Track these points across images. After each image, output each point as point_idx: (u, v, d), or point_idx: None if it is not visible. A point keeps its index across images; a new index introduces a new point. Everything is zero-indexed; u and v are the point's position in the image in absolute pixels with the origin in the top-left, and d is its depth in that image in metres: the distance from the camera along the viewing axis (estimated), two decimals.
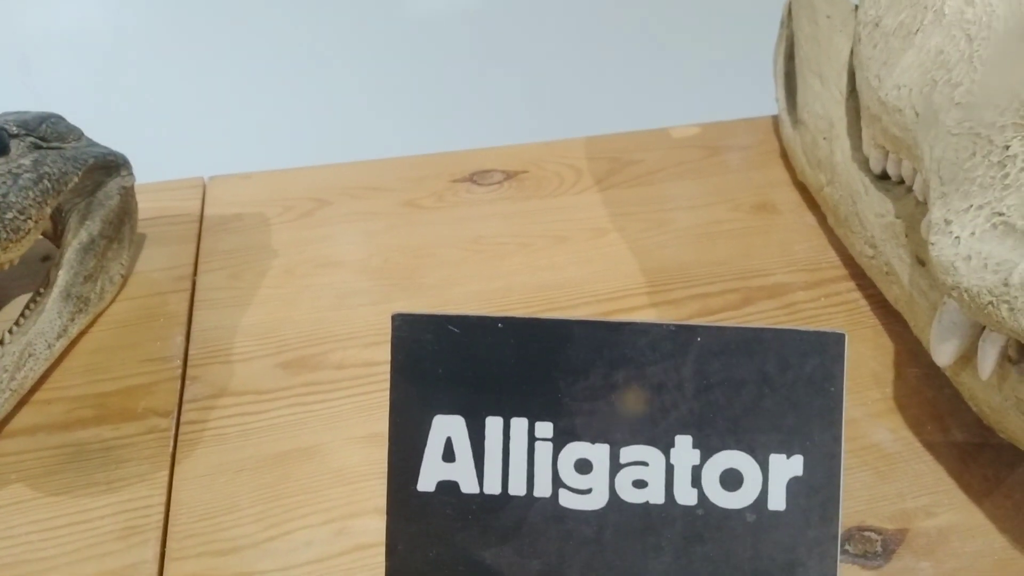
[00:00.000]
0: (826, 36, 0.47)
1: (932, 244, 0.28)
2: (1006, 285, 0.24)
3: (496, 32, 0.70)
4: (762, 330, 0.24)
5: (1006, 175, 0.28)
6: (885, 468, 0.30)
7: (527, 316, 0.24)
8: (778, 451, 0.24)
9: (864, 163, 0.40)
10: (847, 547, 0.27)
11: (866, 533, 0.27)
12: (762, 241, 0.44)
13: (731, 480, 0.24)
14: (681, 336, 0.24)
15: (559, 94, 0.73)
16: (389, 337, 0.24)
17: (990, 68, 0.33)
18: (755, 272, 0.41)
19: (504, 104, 0.71)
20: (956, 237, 0.28)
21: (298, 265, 0.42)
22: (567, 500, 0.24)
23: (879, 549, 0.27)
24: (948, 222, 0.28)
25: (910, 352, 0.35)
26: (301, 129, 0.64)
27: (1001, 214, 0.27)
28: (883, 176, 0.38)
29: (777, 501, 0.24)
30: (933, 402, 0.32)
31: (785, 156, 0.51)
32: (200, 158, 0.53)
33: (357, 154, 0.53)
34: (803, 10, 0.50)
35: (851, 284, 0.40)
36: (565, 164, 0.53)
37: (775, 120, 0.54)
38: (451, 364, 0.24)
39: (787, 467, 0.24)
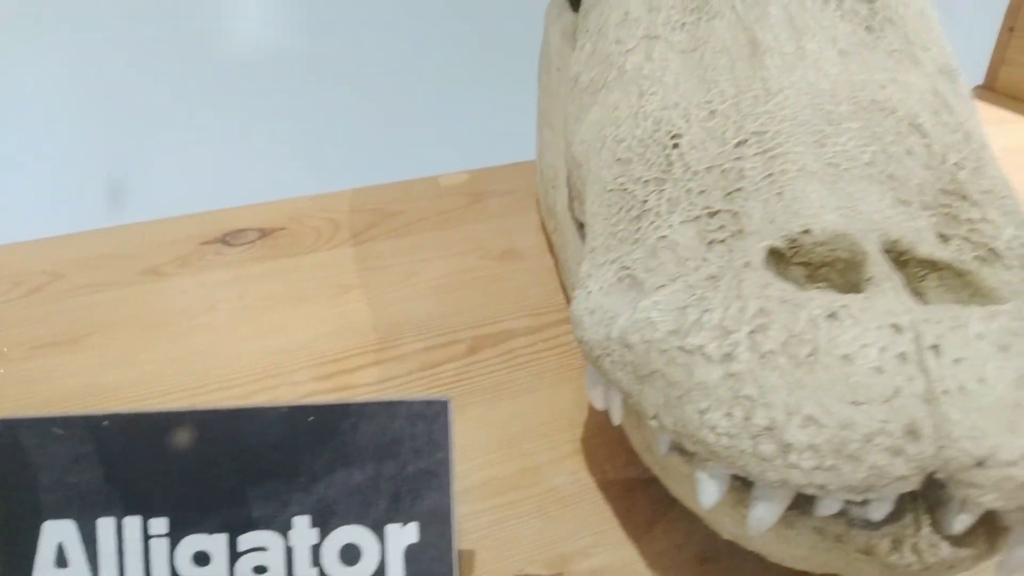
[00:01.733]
0: (556, 88, 0.49)
1: (573, 298, 0.30)
2: (607, 339, 0.26)
3: (267, 81, 0.70)
4: (370, 404, 0.25)
5: (639, 228, 0.30)
6: (557, 512, 0.31)
7: (134, 411, 0.24)
8: (393, 520, 0.24)
9: (574, 212, 0.42)
10: None
11: None
12: (501, 288, 0.45)
13: (350, 554, 0.24)
14: (294, 417, 0.24)
15: (337, 143, 0.73)
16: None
17: (650, 122, 0.35)
18: (486, 320, 0.43)
19: (273, 158, 0.71)
20: (589, 291, 0.29)
21: (13, 347, 0.40)
22: None
23: None
24: (588, 276, 0.30)
25: None
26: (35, 198, 0.62)
27: (627, 267, 0.29)
28: (583, 225, 0.41)
29: (395, 569, 0.24)
30: (612, 442, 0.34)
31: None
32: None
33: (108, 221, 0.51)
34: (542, 61, 0.53)
35: (569, 327, 0.42)
36: (326, 218, 0.53)
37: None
38: (58, 467, 0.24)
39: (403, 535, 0.24)
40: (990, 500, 0.19)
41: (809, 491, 0.20)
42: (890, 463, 0.19)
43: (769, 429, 0.20)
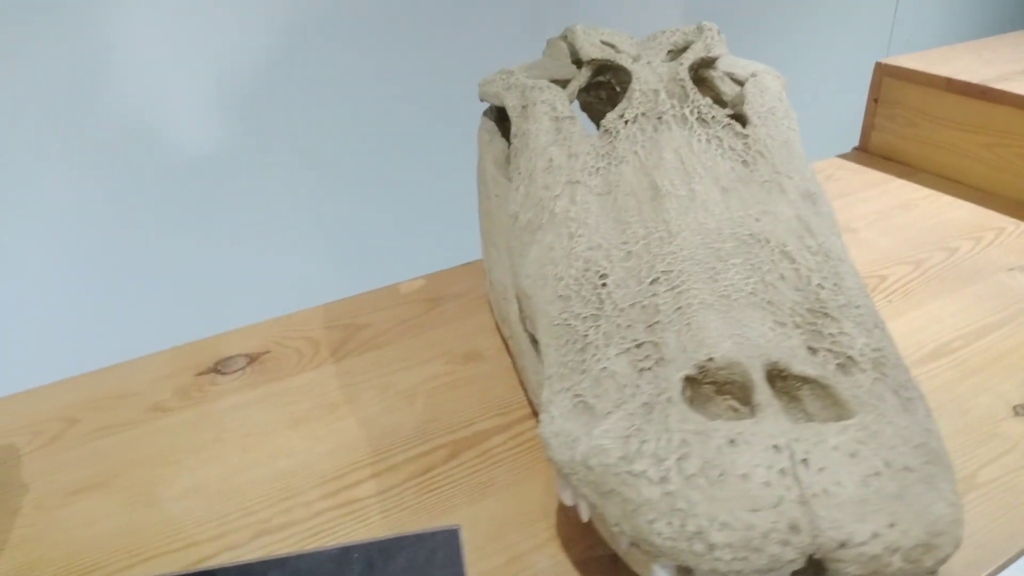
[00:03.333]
0: (496, 212, 0.57)
1: (540, 422, 0.38)
2: (572, 460, 0.34)
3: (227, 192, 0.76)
4: (401, 537, 0.32)
5: (584, 360, 0.39)
6: None
7: (204, 568, 0.31)
8: None
9: (526, 326, 0.50)
10: None
11: None
12: (468, 391, 0.53)
13: None
14: (343, 556, 0.31)
15: (295, 263, 0.80)
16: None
17: (581, 263, 0.44)
18: (461, 424, 0.50)
19: (243, 282, 0.77)
20: (552, 416, 0.37)
21: (47, 497, 0.46)
22: None
23: None
24: (550, 402, 0.38)
25: None
26: (48, 341, 0.66)
27: (579, 395, 0.37)
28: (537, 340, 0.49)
29: None
30: (586, 525, 0.42)
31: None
32: None
33: (102, 359, 0.57)
34: (481, 183, 0.61)
35: (533, 422, 0.50)
36: (304, 338, 0.60)
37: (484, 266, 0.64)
38: None
39: None
40: (853, 570, 0.28)
41: (727, 575, 0.28)
42: (782, 551, 0.28)
43: (698, 533, 0.28)
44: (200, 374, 0.55)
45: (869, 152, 0.91)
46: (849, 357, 0.36)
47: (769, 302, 0.39)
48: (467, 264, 0.69)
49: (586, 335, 0.40)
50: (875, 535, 0.28)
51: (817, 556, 0.28)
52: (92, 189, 0.70)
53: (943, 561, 0.28)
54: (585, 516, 0.36)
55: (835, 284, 0.41)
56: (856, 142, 0.93)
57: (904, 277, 0.66)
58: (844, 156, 0.92)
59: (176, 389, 0.54)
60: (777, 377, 0.35)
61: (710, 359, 0.35)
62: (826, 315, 0.39)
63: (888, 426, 0.31)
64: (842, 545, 0.28)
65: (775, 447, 0.29)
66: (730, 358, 0.35)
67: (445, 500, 0.44)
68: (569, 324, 0.41)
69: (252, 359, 0.57)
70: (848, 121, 0.99)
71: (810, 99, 1.19)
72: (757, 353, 0.36)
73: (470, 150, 0.64)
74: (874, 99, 0.89)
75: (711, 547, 0.28)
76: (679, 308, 0.39)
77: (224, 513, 0.44)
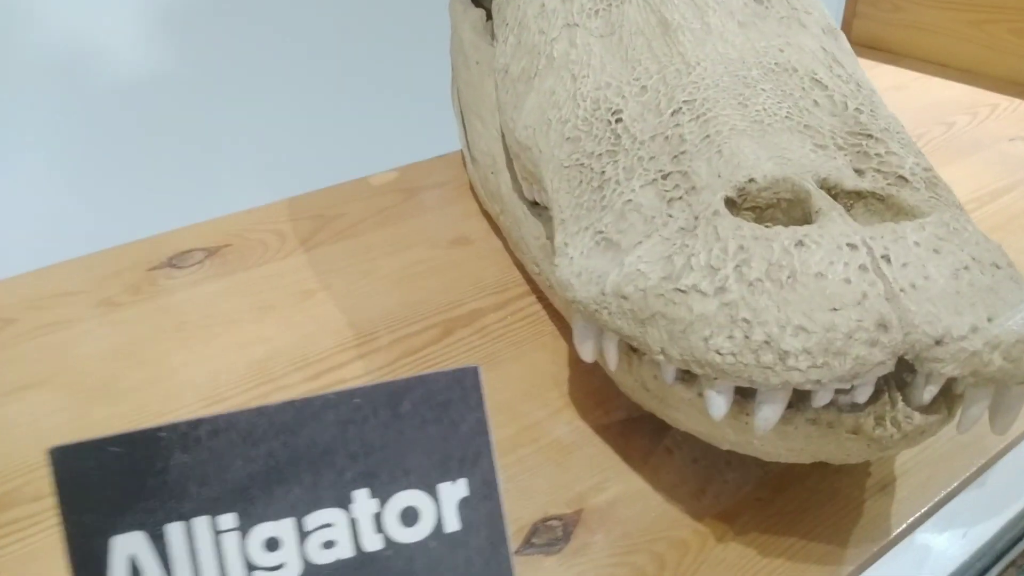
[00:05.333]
0: (478, 81, 0.52)
1: (556, 266, 0.33)
2: (603, 294, 0.30)
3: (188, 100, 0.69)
4: (408, 380, 0.27)
5: (603, 197, 0.34)
6: (563, 459, 0.34)
7: (188, 419, 0.25)
8: (444, 479, 0.27)
9: (522, 192, 0.45)
10: (534, 540, 0.31)
11: (549, 523, 0.31)
12: (458, 273, 0.48)
13: (409, 516, 0.27)
14: (341, 402, 0.26)
15: (259, 159, 0.73)
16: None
17: (589, 103, 0.39)
18: (453, 304, 0.45)
19: (204, 177, 0.70)
20: (571, 257, 0.33)
21: None
22: None
23: (560, 534, 0.31)
24: (566, 244, 0.34)
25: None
26: None
27: (601, 232, 0.33)
28: (536, 203, 0.44)
29: (452, 523, 0.27)
30: (600, 391, 0.37)
31: (473, 187, 0.56)
32: None
33: (40, 260, 0.50)
34: (458, 56, 0.55)
35: (532, 298, 0.45)
36: (269, 230, 0.54)
37: (463, 153, 0.59)
38: (121, 483, 0.25)
39: (454, 491, 0.27)
40: (950, 370, 0.24)
41: (807, 387, 0.24)
42: (869, 353, 0.24)
43: (767, 343, 0.24)
44: (153, 268, 0.49)
45: (851, 43, 0.88)
46: (900, 176, 0.32)
47: (806, 126, 0.35)
48: (443, 156, 0.64)
49: (603, 171, 0.35)
50: (974, 328, 0.24)
51: (908, 357, 0.24)
52: (39, 102, 0.63)
53: None
54: (613, 364, 0.32)
55: (872, 111, 0.37)
56: None
57: None
58: None
59: (126, 285, 0.48)
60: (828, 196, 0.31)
61: (751, 180, 0.31)
62: (870, 136, 0.35)
63: (968, 224, 0.27)
64: (939, 341, 0.24)
65: (850, 245, 0.25)
66: (775, 175, 0.31)
67: None
68: (582, 164, 0.36)
69: (211, 252, 0.51)
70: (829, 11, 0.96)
71: None
72: (804, 170, 0.31)
73: (437, 38, 0.59)
74: None
75: (783, 356, 0.24)
76: (707, 136, 0.35)
77: (191, 401, 0.38)
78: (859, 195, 0.31)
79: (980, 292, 0.24)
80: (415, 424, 0.27)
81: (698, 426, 0.29)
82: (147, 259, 0.50)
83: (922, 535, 0.32)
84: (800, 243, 0.26)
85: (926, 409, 0.26)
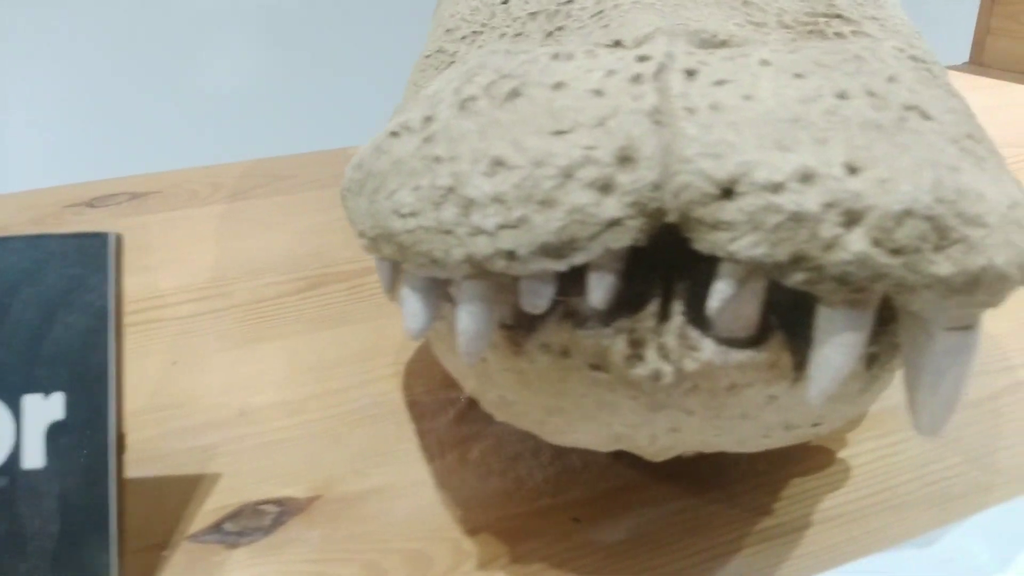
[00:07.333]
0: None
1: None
2: (349, 170, 0.21)
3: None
4: (8, 239, 0.19)
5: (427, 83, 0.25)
6: (346, 432, 0.25)
7: None
8: (33, 390, 0.18)
9: None
10: (226, 525, 0.21)
11: (262, 507, 0.22)
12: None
13: None
14: None
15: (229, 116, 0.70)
16: None
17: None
18: (343, 261, 0.37)
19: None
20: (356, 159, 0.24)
21: None
22: None
23: (267, 523, 0.21)
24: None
25: None
26: None
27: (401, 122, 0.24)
28: None
29: (34, 455, 0.18)
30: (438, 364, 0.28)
31: None
32: None
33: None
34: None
35: None
36: (207, 183, 0.49)
37: None
38: None
39: (44, 410, 0.18)
40: (747, 246, 0.12)
41: (498, 266, 0.14)
42: (595, 202, 0.13)
43: (452, 189, 0.14)
44: (68, 206, 0.45)
45: (983, 65, 0.73)
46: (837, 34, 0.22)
47: (746, 2, 0.25)
48: None
49: (455, 53, 0.27)
50: (806, 175, 0.12)
51: (672, 219, 0.13)
52: None
53: (977, 277, 0.13)
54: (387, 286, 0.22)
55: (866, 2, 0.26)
56: (965, 57, 0.74)
57: (1008, 157, 0.48)
58: (952, 68, 0.73)
59: (30, 219, 0.44)
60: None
61: (617, 43, 0.21)
62: (839, 16, 0.24)
63: (904, 61, 0.16)
64: (726, 191, 0.13)
65: (642, 56, 0.15)
66: (640, 35, 0.21)
67: (270, 329, 0.31)
68: (441, 51, 0.28)
69: (135, 196, 0.46)
70: (951, 31, 0.80)
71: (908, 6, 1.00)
72: (679, 29, 0.21)
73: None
74: None
75: (467, 208, 0.14)
76: (600, 12, 0.25)
77: None
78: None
79: (850, 127, 0.13)
80: (5, 294, 0.19)
81: (451, 365, 0.19)
82: (67, 199, 0.46)
83: None
84: (566, 56, 0.15)
85: (730, 337, 0.14)
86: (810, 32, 0.23)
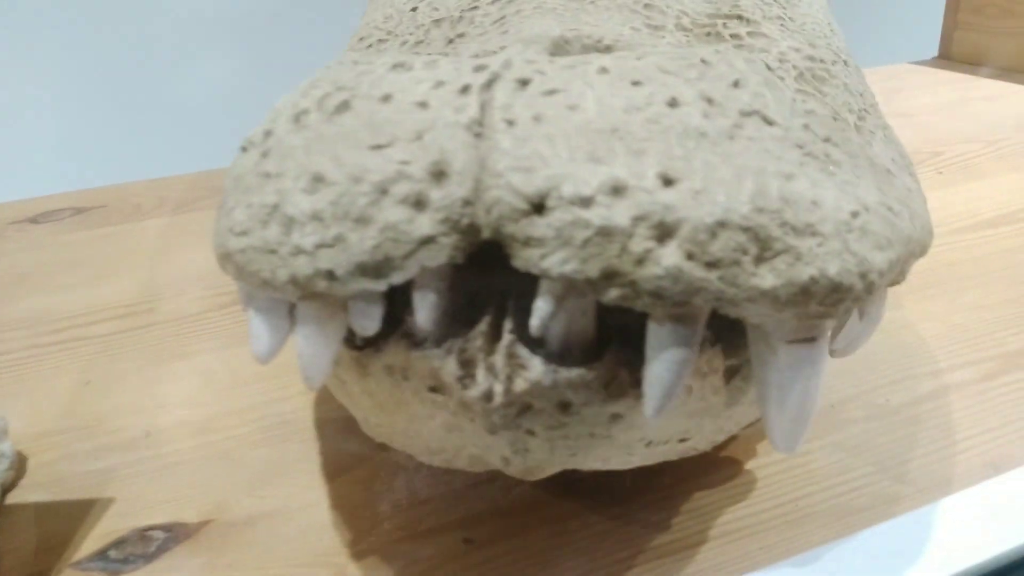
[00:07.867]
0: None
1: None
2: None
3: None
4: None
5: None
6: (244, 453, 0.24)
7: None
8: None
9: None
10: (110, 552, 0.21)
11: (150, 532, 0.21)
12: None
13: None
14: None
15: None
16: None
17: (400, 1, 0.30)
18: None
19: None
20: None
21: None
22: None
23: (152, 549, 0.21)
24: None
25: None
26: None
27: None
28: None
29: None
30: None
31: None
32: None
33: None
34: None
35: None
36: (156, 196, 0.48)
37: None
38: None
39: None
40: (558, 263, 0.12)
41: (320, 287, 0.13)
42: (409, 219, 0.12)
43: (276, 206, 0.14)
44: (12, 223, 0.45)
45: (952, 59, 0.72)
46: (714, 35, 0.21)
47: (647, 5, 0.24)
48: None
49: (355, 62, 0.26)
50: (616, 188, 0.12)
51: (487, 235, 0.13)
52: None
53: (807, 288, 0.12)
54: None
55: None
56: (934, 51, 0.74)
57: (967, 153, 0.48)
58: (918, 63, 0.73)
59: None
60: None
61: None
62: (739, 17, 0.23)
63: (755, 67, 0.15)
64: (536, 206, 0.12)
65: (479, 67, 0.14)
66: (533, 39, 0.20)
67: (187, 345, 0.31)
68: (341, 63, 0.27)
69: (79, 211, 0.46)
70: (920, 26, 0.80)
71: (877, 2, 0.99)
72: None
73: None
74: None
75: (288, 226, 0.13)
76: (502, 19, 0.25)
77: None
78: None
79: (669, 137, 0.13)
80: None
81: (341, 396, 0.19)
82: (10, 215, 0.46)
83: None
84: (403, 65, 0.15)
85: (562, 354, 0.13)
86: (707, 34, 0.23)
